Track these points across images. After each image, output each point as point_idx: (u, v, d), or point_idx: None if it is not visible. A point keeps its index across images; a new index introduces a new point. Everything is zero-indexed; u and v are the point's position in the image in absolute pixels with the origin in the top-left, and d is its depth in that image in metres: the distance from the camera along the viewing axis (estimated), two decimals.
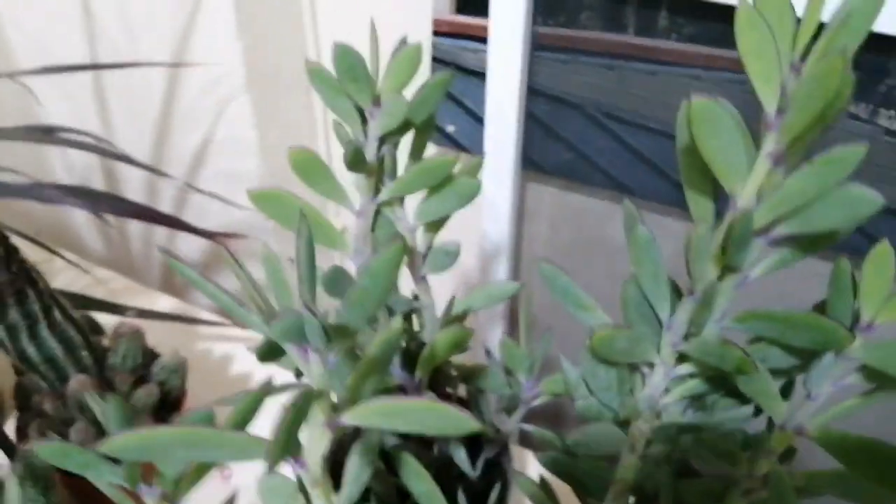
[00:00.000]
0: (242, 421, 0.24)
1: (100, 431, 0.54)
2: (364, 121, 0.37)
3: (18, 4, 0.84)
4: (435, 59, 0.68)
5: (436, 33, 0.67)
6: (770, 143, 0.24)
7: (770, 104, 0.23)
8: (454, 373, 0.48)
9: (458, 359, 0.48)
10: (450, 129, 0.71)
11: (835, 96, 0.21)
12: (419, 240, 0.42)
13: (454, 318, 0.45)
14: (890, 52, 0.50)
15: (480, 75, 0.66)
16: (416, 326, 0.46)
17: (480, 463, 0.45)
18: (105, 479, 0.27)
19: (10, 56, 0.88)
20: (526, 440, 0.57)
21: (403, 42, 0.36)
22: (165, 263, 1.00)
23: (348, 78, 0.34)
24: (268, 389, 0.24)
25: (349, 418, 0.26)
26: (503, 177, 0.69)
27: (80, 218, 0.98)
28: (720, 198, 0.27)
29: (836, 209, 0.24)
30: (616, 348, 0.27)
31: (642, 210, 0.29)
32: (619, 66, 0.61)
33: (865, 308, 0.25)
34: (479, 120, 0.69)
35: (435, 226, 0.42)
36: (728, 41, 0.56)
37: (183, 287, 0.96)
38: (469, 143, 0.71)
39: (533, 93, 0.65)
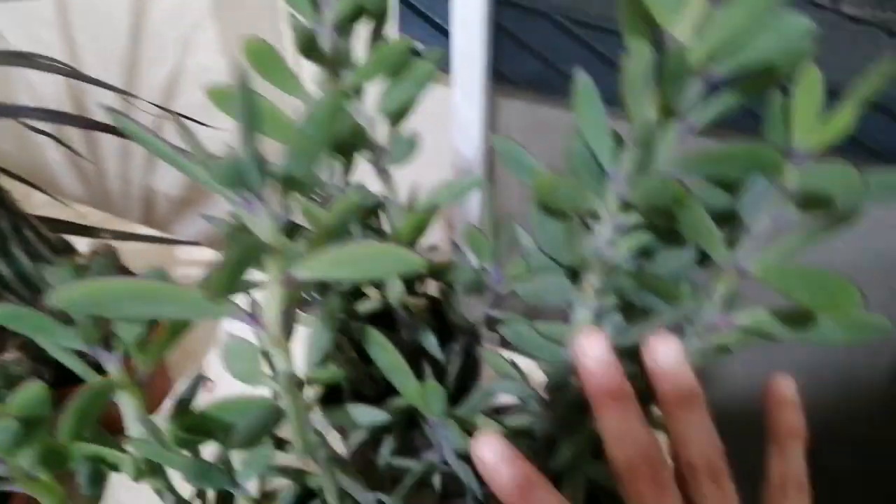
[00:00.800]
0: (230, 286, 0.24)
1: None
2: (317, 9, 0.37)
3: None
4: None
5: None
6: None
7: None
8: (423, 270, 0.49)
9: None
10: (416, 45, 0.71)
11: None
12: (380, 133, 0.42)
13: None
14: None
15: None
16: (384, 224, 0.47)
17: (455, 352, 0.46)
18: (59, 342, 0.28)
19: None
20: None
21: None
22: (145, 200, 1.00)
23: None
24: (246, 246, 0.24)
25: (302, 271, 0.26)
26: (472, 92, 0.69)
27: (56, 156, 0.98)
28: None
29: (769, 39, 0.24)
30: (559, 195, 0.28)
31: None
32: None
33: (797, 135, 0.25)
34: (447, 34, 0.69)
35: (396, 117, 0.42)
36: None
37: (163, 220, 0.97)
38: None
39: (499, 3, 0.65)
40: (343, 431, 0.43)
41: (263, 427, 0.30)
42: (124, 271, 0.58)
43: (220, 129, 0.41)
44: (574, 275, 0.33)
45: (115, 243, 0.61)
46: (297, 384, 0.32)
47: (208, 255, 0.76)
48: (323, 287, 0.38)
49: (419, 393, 0.36)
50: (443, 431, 0.37)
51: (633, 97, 0.25)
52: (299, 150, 0.24)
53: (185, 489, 0.36)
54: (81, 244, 0.60)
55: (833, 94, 0.25)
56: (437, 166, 0.80)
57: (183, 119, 0.65)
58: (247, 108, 0.23)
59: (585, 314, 0.33)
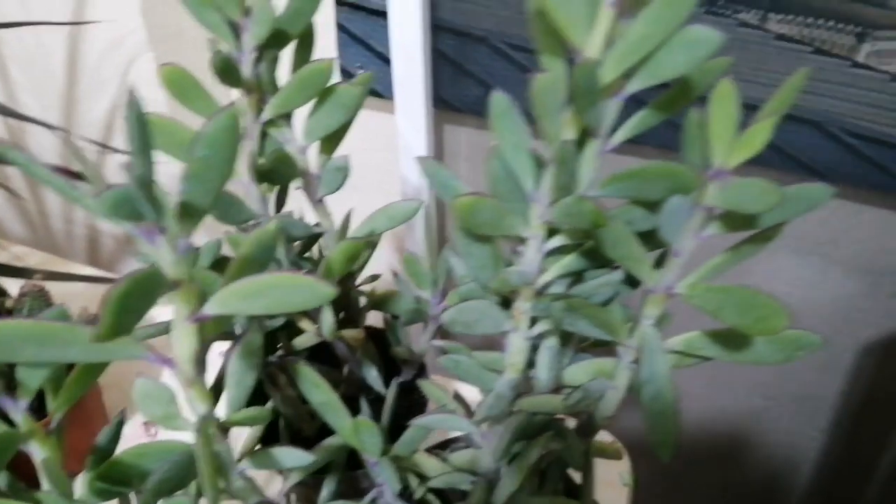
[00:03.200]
0: (119, 324, 0.23)
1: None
2: (237, 35, 0.36)
3: None
4: (339, 2, 0.67)
5: None
6: None
7: None
8: (364, 301, 0.48)
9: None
10: (359, 72, 0.71)
11: None
12: (312, 161, 0.41)
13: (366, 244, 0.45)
14: None
15: (385, 15, 0.65)
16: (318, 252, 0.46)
17: (396, 385, 0.45)
18: None
19: None
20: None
21: None
22: (90, 239, 0.98)
23: None
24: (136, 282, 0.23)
25: (211, 307, 0.25)
26: (416, 118, 0.69)
27: None
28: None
29: (679, 53, 0.24)
30: (481, 219, 0.27)
31: None
32: None
33: (715, 153, 0.25)
34: (388, 61, 0.68)
35: (328, 145, 0.41)
36: None
37: (108, 260, 0.94)
38: (381, 87, 0.71)
39: (438, 29, 0.65)
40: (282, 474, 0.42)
41: (182, 474, 0.28)
42: None
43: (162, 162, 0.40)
44: (506, 302, 0.32)
45: (53, 284, 0.59)
46: (222, 428, 0.30)
47: None
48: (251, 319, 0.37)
49: (353, 431, 0.35)
50: (380, 471, 0.35)
51: (546, 117, 0.25)
52: (198, 177, 0.23)
53: None
54: (15, 286, 0.58)
55: (756, 110, 0.25)
56: (386, 193, 0.79)
57: (124, 153, 0.63)
58: (138, 133, 0.22)
59: (520, 343, 0.33)
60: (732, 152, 0.24)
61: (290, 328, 0.43)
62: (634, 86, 0.26)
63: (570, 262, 0.30)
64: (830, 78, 0.55)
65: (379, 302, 0.47)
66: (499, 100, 0.27)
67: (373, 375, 0.45)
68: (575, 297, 0.29)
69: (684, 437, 0.96)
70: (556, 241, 0.29)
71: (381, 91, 0.71)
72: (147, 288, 0.22)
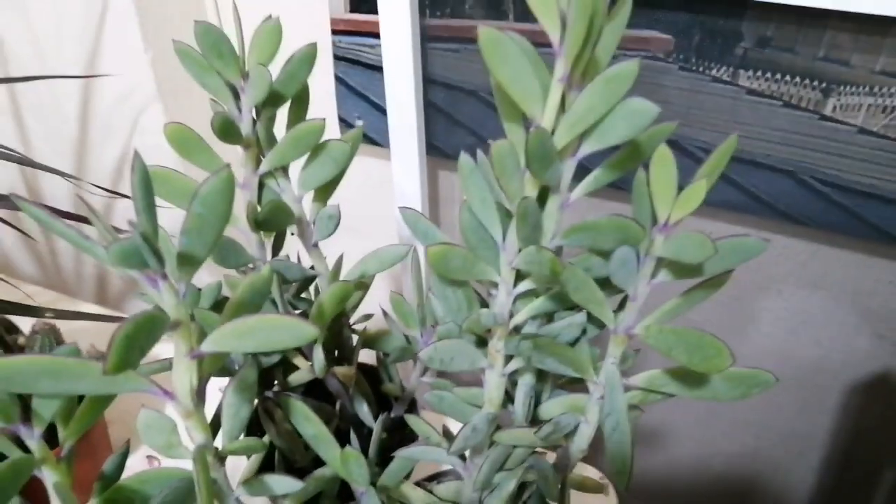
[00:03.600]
0: (124, 360, 0.26)
1: None
2: (237, 96, 0.40)
3: None
4: (336, 57, 0.71)
5: (334, 32, 0.70)
6: (559, 69, 0.27)
7: (554, 34, 0.27)
8: (356, 339, 0.50)
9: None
10: (358, 123, 0.74)
11: (594, 13, 0.24)
12: (307, 209, 0.44)
13: (359, 285, 0.48)
14: (741, 17, 0.54)
15: (381, 69, 0.69)
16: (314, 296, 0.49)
17: (385, 420, 0.47)
18: None
19: None
20: None
21: (267, 18, 0.38)
22: (99, 278, 1.01)
23: (214, 55, 0.37)
24: (140, 322, 0.26)
25: (207, 345, 0.28)
26: (410, 166, 0.72)
27: (7, 240, 0.99)
28: None
29: (622, 121, 0.27)
30: (452, 266, 0.30)
31: None
32: None
33: (659, 209, 0.28)
34: (385, 112, 0.72)
35: (322, 194, 0.44)
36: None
37: (116, 299, 0.97)
38: (377, 136, 0.74)
39: (430, 83, 0.69)
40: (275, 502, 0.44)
41: (182, 499, 0.31)
42: None
43: (166, 207, 0.43)
44: (482, 341, 0.35)
45: (63, 322, 0.62)
46: (220, 456, 0.33)
47: None
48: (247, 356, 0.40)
49: (342, 461, 0.37)
50: (367, 500, 0.38)
51: (505, 178, 0.28)
52: (195, 232, 0.26)
53: None
54: (27, 325, 0.61)
55: (735, 160, 0.28)
56: (385, 235, 0.83)
57: (95, 197, 0.66)
58: (142, 192, 0.25)
59: (496, 380, 0.35)
60: (673, 209, 0.27)
61: (286, 365, 0.45)
62: (586, 149, 0.29)
63: (539, 304, 0.33)
64: (801, 130, 0.58)
65: (371, 340, 0.50)
66: (464, 161, 0.30)
67: (364, 411, 0.48)
68: (542, 337, 0.32)
69: (680, 476, 0.98)
70: (525, 285, 0.32)
71: (378, 140, 0.75)
72: (150, 328, 0.25)
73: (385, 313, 0.49)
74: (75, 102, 0.82)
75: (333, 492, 0.44)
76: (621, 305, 0.33)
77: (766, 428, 0.86)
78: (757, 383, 0.32)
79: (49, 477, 0.31)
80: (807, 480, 0.88)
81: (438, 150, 0.72)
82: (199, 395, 0.30)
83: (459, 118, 0.69)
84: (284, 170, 0.43)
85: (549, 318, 0.34)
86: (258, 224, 0.42)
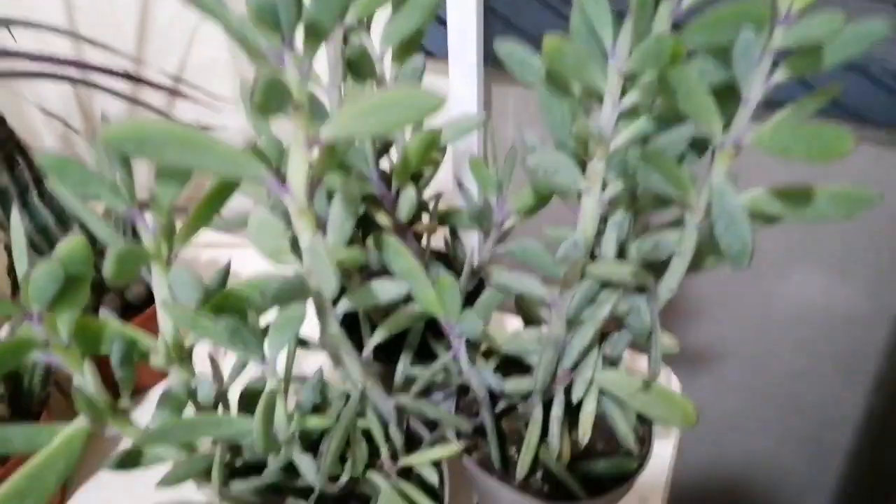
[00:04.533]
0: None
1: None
2: None
3: None
4: None
5: None
6: None
7: None
8: (430, 212, 0.51)
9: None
10: None
11: None
12: (388, 68, 0.45)
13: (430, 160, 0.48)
14: None
15: None
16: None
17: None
18: (101, 198, 0.29)
19: None
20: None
21: None
22: None
23: None
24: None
25: (327, 131, 0.28)
26: (469, 76, 0.72)
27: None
28: None
29: None
30: (566, 62, 0.30)
31: None
32: None
33: (781, 1, 0.28)
34: (443, 23, 0.72)
35: (403, 51, 0.44)
36: None
37: None
38: (434, 48, 0.74)
39: None
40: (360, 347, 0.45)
41: (295, 292, 0.31)
42: None
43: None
44: (581, 165, 0.35)
45: None
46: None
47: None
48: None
49: (435, 296, 0.37)
50: (459, 328, 0.38)
51: None
52: None
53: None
54: None
55: None
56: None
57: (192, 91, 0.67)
58: None
59: (592, 205, 0.35)
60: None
61: (367, 221, 0.46)
62: None
63: (641, 124, 0.33)
64: None
65: (442, 216, 0.51)
66: None
67: (437, 267, 0.48)
68: (650, 150, 0.32)
69: (697, 482, 0.98)
70: (630, 98, 0.32)
71: (434, 52, 0.74)
72: (280, 91, 0.25)
73: (459, 183, 0.49)
74: (133, 17, 0.83)
75: (418, 333, 0.44)
76: (726, 126, 0.32)
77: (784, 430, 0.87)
78: (862, 201, 0.32)
79: (158, 272, 0.32)
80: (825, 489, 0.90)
81: (496, 60, 0.72)
82: (312, 193, 0.30)
83: (519, 23, 0.69)
84: (367, 24, 0.43)
85: (644, 138, 0.34)
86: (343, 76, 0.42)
